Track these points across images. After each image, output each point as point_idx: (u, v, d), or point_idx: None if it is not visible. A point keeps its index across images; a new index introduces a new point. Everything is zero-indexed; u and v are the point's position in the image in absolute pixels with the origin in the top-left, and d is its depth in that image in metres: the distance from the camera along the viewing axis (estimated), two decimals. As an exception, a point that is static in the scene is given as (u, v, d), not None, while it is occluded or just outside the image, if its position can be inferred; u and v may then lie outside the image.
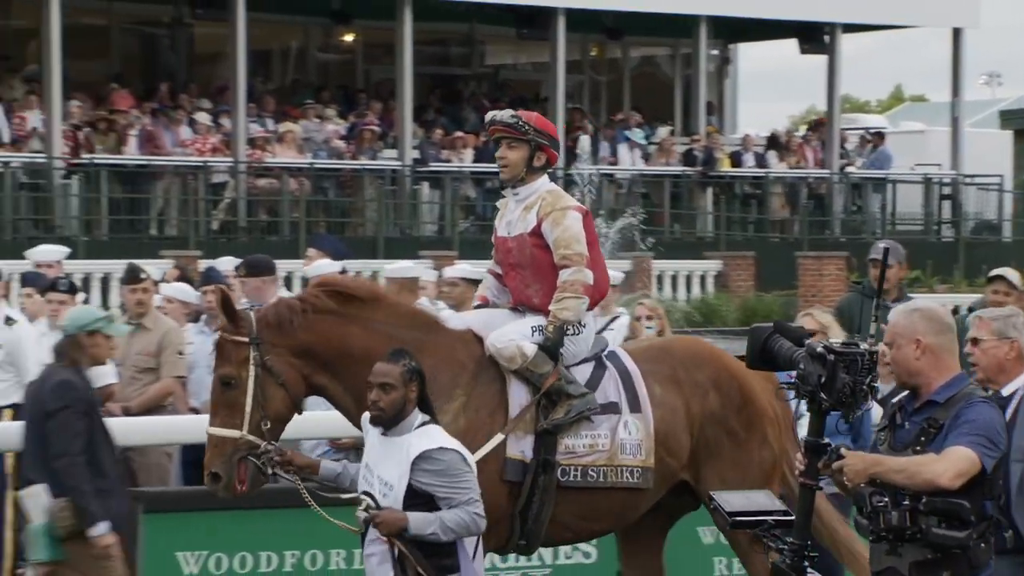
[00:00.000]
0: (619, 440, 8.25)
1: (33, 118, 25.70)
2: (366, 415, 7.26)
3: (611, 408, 8.28)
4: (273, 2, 27.75)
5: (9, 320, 11.37)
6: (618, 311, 12.17)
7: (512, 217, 8.45)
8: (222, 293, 8.30)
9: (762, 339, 6.16)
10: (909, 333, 6.31)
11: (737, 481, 8.12)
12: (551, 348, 8.14)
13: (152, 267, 12.93)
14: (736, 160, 31.75)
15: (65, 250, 14.52)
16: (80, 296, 12.61)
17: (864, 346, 5.98)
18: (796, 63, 45.27)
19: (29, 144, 25.60)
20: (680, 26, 31.99)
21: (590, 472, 8.21)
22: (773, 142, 32.69)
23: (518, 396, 8.17)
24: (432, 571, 6.96)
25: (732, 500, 6.30)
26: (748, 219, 31.86)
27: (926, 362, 6.28)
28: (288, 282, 19.17)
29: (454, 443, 7.15)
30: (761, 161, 31.79)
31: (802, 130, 37.21)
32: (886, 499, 6.04)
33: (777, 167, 31.95)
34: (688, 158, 31.14)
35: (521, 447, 8.12)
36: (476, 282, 11.96)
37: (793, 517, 6.21)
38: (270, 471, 7.70)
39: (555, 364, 8.14)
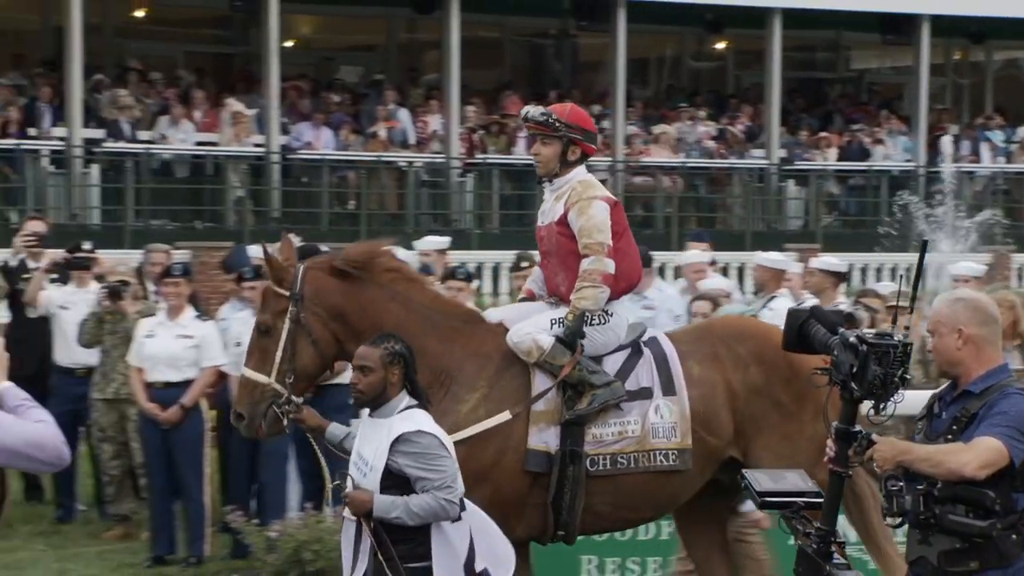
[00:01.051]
0: (650, 424, 7.90)
1: (434, 122, 26.76)
2: None
3: (643, 394, 7.94)
4: (651, 14, 28.33)
5: None
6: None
7: (546, 207, 8.19)
8: (265, 250, 7.99)
9: (798, 323, 5.85)
10: (951, 322, 5.99)
11: (788, 454, 7.71)
12: (569, 339, 7.82)
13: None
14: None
15: (446, 240, 15.05)
16: (475, 284, 13.41)
17: (898, 337, 5.61)
18: None
19: (430, 145, 26.70)
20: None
21: (619, 459, 7.88)
22: None
23: (541, 387, 7.87)
24: (389, 552, 6.64)
25: (763, 479, 5.84)
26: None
27: (967, 352, 5.96)
28: (662, 272, 19.73)
29: (434, 428, 6.82)
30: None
31: None
32: (901, 483, 5.74)
33: None
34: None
35: (544, 438, 7.80)
36: (835, 274, 12.31)
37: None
38: (285, 422, 7.70)
39: (572, 355, 7.81)
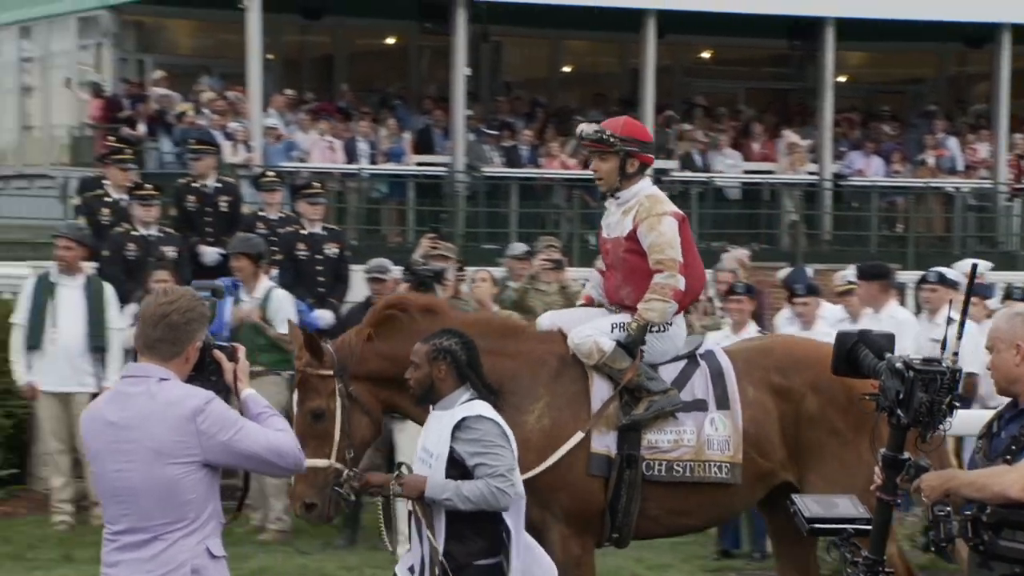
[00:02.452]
0: (705, 436, 7.59)
1: (982, 149, 26.31)
2: None
3: (698, 405, 7.63)
4: None
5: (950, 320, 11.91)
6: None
7: (612, 220, 7.85)
8: (302, 331, 7.57)
9: (848, 346, 5.41)
10: (1010, 338, 5.46)
11: (846, 481, 7.14)
12: (630, 345, 7.52)
13: None
14: None
15: (988, 265, 14.51)
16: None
17: (946, 364, 5.12)
18: None
19: (978, 172, 26.25)
20: None
21: (676, 467, 7.57)
22: None
23: (600, 392, 7.56)
24: (438, 534, 6.39)
25: (812, 505, 5.45)
26: None
27: None
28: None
29: (494, 415, 6.56)
30: None
31: None
32: (948, 509, 5.27)
33: None
34: None
35: (605, 443, 7.51)
36: None
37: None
38: (352, 497, 7.43)
39: (633, 360, 7.50)
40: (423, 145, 24.50)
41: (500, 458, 6.37)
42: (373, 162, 23.67)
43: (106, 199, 13.94)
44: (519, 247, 14.00)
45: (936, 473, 5.24)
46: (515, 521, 6.45)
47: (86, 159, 23.87)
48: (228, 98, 23.20)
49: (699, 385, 7.62)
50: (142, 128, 22.45)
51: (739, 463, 7.60)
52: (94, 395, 10.93)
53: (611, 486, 7.45)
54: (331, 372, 7.31)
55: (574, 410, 7.45)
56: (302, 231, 13.33)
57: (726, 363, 7.74)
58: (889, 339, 5.34)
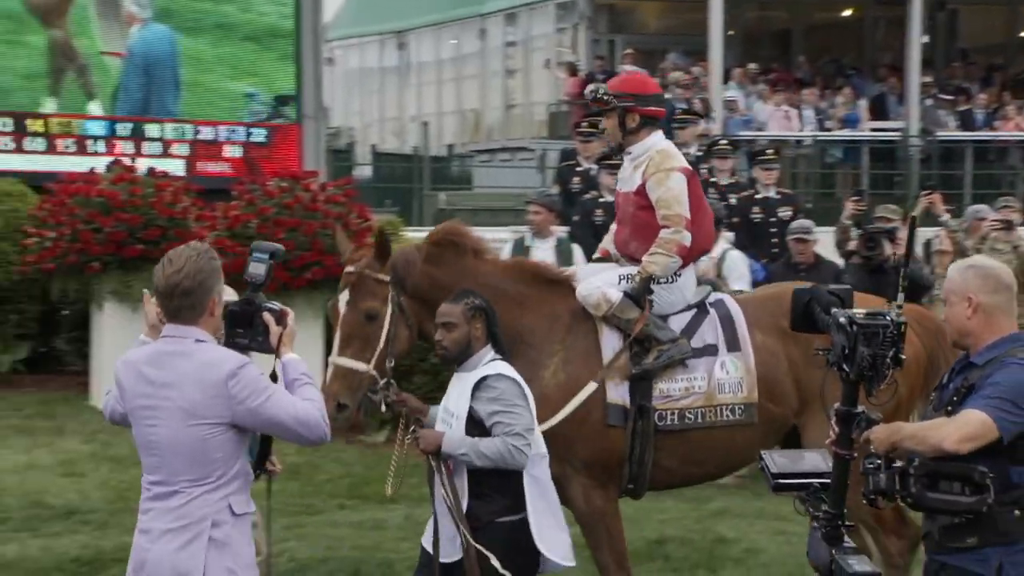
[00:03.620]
0: (716, 380, 7.16)
1: None
2: None
3: (708, 351, 7.19)
4: None
5: None
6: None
7: (624, 175, 7.46)
8: (379, 232, 7.29)
9: (803, 303, 5.09)
10: (962, 290, 5.12)
11: None
12: (636, 296, 7.10)
13: None
14: None
15: None
16: None
17: (891, 317, 4.75)
18: None
19: None
20: None
21: (687, 415, 7.14)
22: None
23: (610, 343, 7.15)
24: (454, 491, 6.05)
25: (780, 461, 5.12)
26: None
27: (977, 322, 5.10)
28: None
29: (514, 374, 6.23)
30: None
31: None
32: (878, 461, 4.92)
33: None
34: None
35: (620, 392, 7.08)
36: None
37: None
38: (384, 408, 6.93)
39: (641, 311, 7.09)
40: (878, 111, 24.21)
41: (518, 417, 6.10)
42: (827, 129, 23.52)
43: (577, 168, 14.42)
44: (979, 208, 13.62)
45: (884, 426, 4.97)
46: (537, 479, 6.21)
47: (562, 132, 24.57)
48: (692, 73, 23.45)
49: (709, 331, 7.31)
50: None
51: (754, 402, 7.25)
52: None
53: (627, 436, 7.15)
54: (387, 278, 7.00)
55: (588, 363, 7.16)
56: (756, 195, 13.41)
57: (735, 309, 7.42)
58: (846, 293, 5.12)
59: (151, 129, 18.11)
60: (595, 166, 13.93)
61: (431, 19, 34.88)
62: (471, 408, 6.09)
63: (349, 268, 6.99)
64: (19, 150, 16.29)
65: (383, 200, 21.45)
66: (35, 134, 17.04)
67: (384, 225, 14.70)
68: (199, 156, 18.22)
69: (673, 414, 7.16)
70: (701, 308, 7.42)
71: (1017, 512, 4.98)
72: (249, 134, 18.61)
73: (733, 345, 7.29)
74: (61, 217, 13.63)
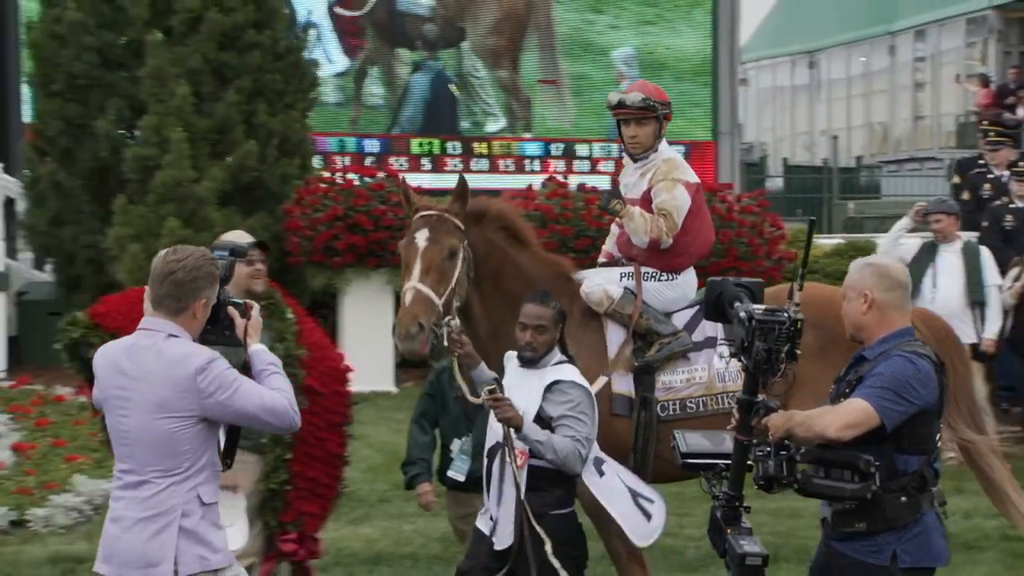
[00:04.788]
0: (715, 369, 6.97)
1: None
2: (510, 353, 6.21)
3: (708, 343, 7.01)
4: None
5: None
6: None
7: (630, 180, 7.24)
8: (462, 181, 6.84)
9: (715, 294, 5.02)
10: (859, 287, 5.12)
11: None
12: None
13: None
14: None
15: None
16: None
17: (787, 314, 4.72)
18: None
19: None
20: None
21: (688, 404, 6.96)
22: None
23: (615, 338, 7.01)
24: (521, 481, 5.79)
25: (693, 440, 5.09)
26: None
27: (871, 317, 5.08)
28: None
29: (584, 382, 6.06)
30: None
31: None
32: (768, 449, 4.84)
33: None
34: None
35: (625, 384, 6.92)
36: None
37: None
38: (445, 343, 6.43)
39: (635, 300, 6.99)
40: None
41: (584, 426, 5.92)
42: None
43: (988, 175, 14.16)
44: None
45: (780, 413, 4.88)
46: (597, 480, 6.10)
47: (970, 142, 23.88)
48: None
49: (709, 325, 7.01)
50: (1021, 112, 22.13)
51: None
52: (973, 346, 11.06)
53: (632, 427, 6.94)
54: (463, 227, 6.78)
55: (596, 358, 6.96)
56: (1011, 204, 12.98)
57: None
58: (757, 287, 5.03)
59: (580, 148, 18.71)
60: (1006, 173, 13.69)
61: (842, 39, 34.60)
62: (540, 407, 5.95)
63: (427, 211, 6.75)
64: (466, 170, 17.09)
65: (794, 210, 21.42)
66: (480, 155, 17.88)
67: (797, 233, 14.77)
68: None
69: (675, 404, 7.02)
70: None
71: (904, 498, 4.94)
72: (669, 151, 18.96)
73: None
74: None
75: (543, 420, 5.89)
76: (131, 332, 7.21)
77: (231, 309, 4.96)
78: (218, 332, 4.95)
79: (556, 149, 18.64)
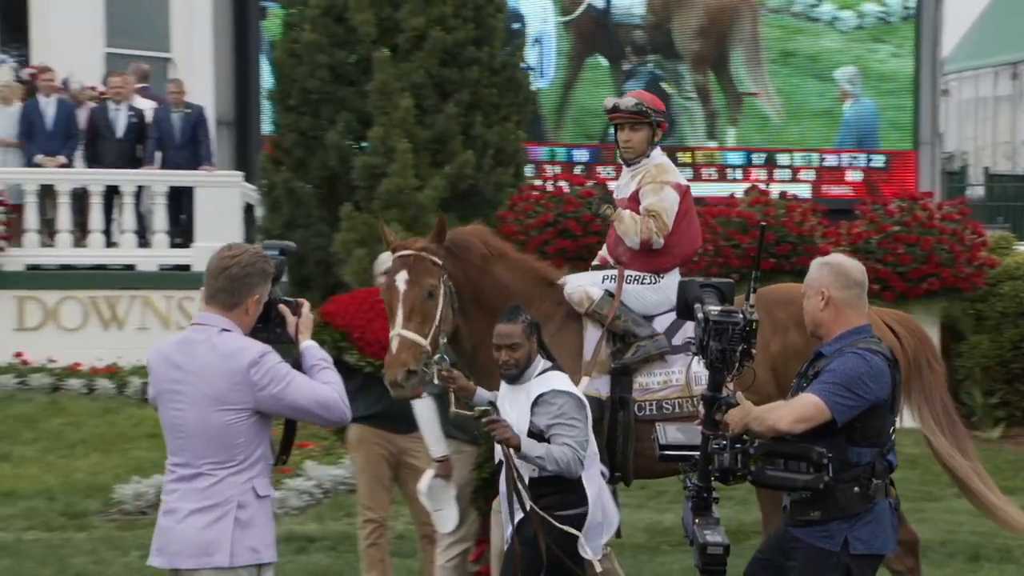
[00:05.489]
0: (693, 373, 6.84)
1: None
2: None
3: (687, 347, 6.79)
4: None
5: None
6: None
7: (622, 183, 7.26)
8: (443, 220, 6.75)
9: (684, 295, 5.03)
10: (817, 285, 5.15)
11: None
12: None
13: None
14: None
15: None
16: None
17: (741, 315, 4.72)
18: None
19: None
20: None
21: (664, 405, 6.89)
22: None
23: (592, 338, 6.93)
24: (522, 483, 5.76)
25: (672, 432, 5.12)
26: None
27: (828, 314, 5.12)
28: None
29: (570, 387, 5.99)
30: None
31: None
32: (723, 442, 4.84)
33: None
34: None
35: (596, 385, 6.81)
36: None
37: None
38: (436, 381, 6.38)
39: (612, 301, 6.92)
40: None
41: (576, 430, 5.82)
42: None
43: None
44: None
45: (738, 408, 4.87)
46: (592, 478, 5.99)
47: None
48: None
49: (689, 329, 6.62)
50: None
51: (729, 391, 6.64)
52: None
53: (605, 427, 6.79)
54: (441, 263, 6.64)
55: (575, 360, 6.85)
56: None
57: None
58: (727, 287, 5.02)
59: (781, 158, 18.65)
60: None
61: (1045, 49, 33.63)
62: (531, 423, 5.84)
63: (404, 251, 6.62)
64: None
65: (995, 217, 20.97)
66: (683, 164, 17.98)
67: (999, 240, 14.53)
68: (823, 180, 18.59)
69: (652, 404, 6.93)
70: None
71: (857, 488, 4.96)
72: (869, 160, 18.77)
73: None
74: (705, 235, 14.29)
75: (535, 435, 5.80)
76: (358, 329, 7.50)
77: (282, 307, 4.89)
78: (270, 330, 4.88)
79: (758, 159, 18.61)
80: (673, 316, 6.95)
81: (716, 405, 4.84)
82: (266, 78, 15.91)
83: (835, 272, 5.14)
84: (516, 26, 17.51)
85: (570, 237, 13.63)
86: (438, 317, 6.56)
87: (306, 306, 4.93)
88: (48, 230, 14.80)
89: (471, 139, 13.76)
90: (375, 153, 13.32)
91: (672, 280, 7.06)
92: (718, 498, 4.91)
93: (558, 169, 17.61)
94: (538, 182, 14.73)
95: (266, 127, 16.25)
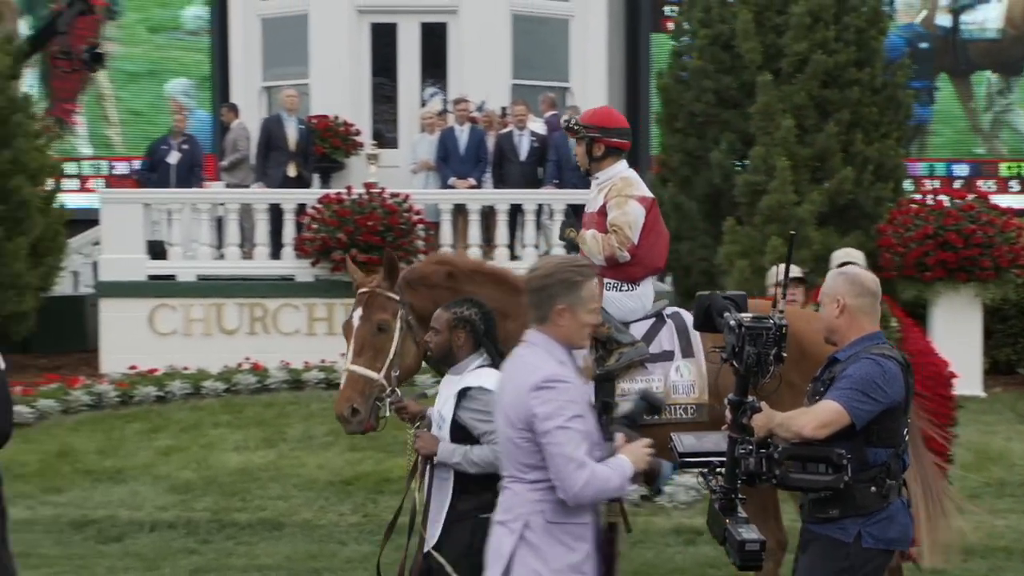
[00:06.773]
0: (671, 382, 6.72)
1: None
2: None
3: (665, 356, 6.76)
4: None
5: None
6: None
7: (590, 197, 7.02)
8: (388, 255, 6.59)
9: (704, 307, 4.88)
10: (832, 293, 5.05)
11: None
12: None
13: None
14: None
15: None
16: None
17: (773, 320, 4.59)
18: None
19: None
20: None
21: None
22: None
23: None
24: (448, 489, 5.49)
25: (688, 440, 4.85)
26: None
27: (843, 321, 5.02)
28: None
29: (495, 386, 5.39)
30: None
31: None
32: (750, 447, 4.69)
33: None
34: None
35: None
36: None
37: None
38: (388, 414, 6.30)
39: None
40: None
41: None
42: None
43: None
44: None
45: (763, 413, 4.81)
46: None
47: None
48: None
49: (666, 338, 6.90)
50: None
51: (705, 403, 6.79)
52: None
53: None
54: (397, 297, 6.49)
55: None
56: None
57: (690, 319, 6.69)
58: (741, 299, 4.89)
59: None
60: None
61: None
62: (455, 415, 5.53)
63: (362, 289, 6.50)
64: None
65: None
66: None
67: None
68: None
69: None
70: (659, 318, 7.04)
71: (873, 488, 4.93)
72: None
73: (687, 351, 6.89)
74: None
75: (461, 426, 5.50)
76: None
77: (620, 435, 4.65)
78: (604, 424, 4.62)
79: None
80: (647, 324, 6.94)
81: (742, 409, 4.78)
82: (654, 102, 16.09)
83: (850, 281, 5.11)
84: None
85: (951, 249, 13.32)
86: (391, 351, 6.44)
87: (645, 447, 4.63)
88: (463, 244, 15.41)
89: (851, 156, 13.62)
90: (756, 171, 13.34)
91: (647, 288, 7.06)
92: (744, 498, 4.85)
93: (937, 184, 17.04)
94: (918, 196, 14.29)
95: (654, 148, 16.43)
